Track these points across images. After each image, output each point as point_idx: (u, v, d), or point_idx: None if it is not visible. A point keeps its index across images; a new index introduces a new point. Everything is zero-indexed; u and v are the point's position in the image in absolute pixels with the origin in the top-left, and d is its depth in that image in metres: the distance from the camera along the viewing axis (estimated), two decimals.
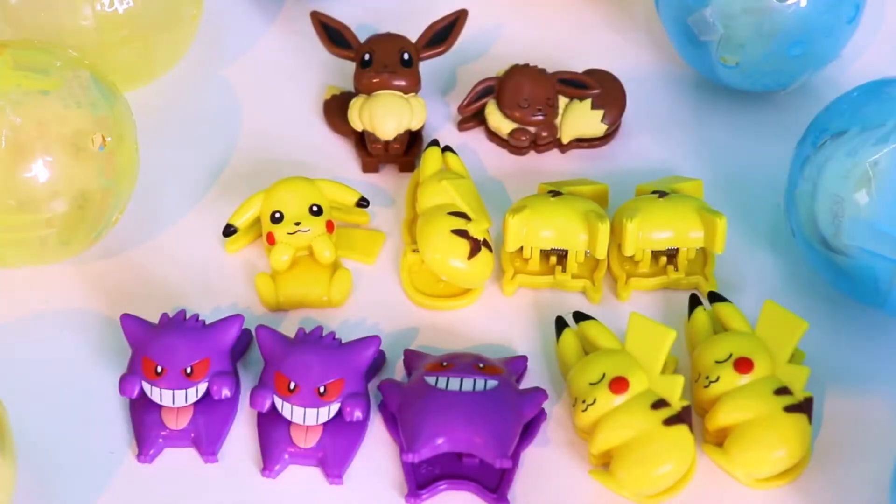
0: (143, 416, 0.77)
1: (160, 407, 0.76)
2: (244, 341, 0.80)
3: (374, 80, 0.88)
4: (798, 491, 0.75)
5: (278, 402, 0.75)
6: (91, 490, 0.76)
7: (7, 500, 0.71)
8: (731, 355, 0.76)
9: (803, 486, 0.75)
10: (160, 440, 0.76)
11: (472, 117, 0.92)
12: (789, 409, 0.74)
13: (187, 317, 0.78)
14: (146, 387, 0.76)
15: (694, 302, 0.81)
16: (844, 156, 0.76)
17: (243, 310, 0.82)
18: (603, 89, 0.90)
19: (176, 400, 0.75)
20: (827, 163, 0.77)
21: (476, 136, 0.92)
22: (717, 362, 0.76)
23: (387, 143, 0.88)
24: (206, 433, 0.76)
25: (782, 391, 0.74)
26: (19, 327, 0.83)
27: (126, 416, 0.78)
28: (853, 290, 0.79)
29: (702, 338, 0.78)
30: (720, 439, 0.75)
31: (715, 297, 0.80)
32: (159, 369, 0.75)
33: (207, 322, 0.78)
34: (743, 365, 0.75)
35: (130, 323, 0.78)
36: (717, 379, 0.75)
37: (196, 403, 0.76)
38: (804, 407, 0.74)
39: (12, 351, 0.82)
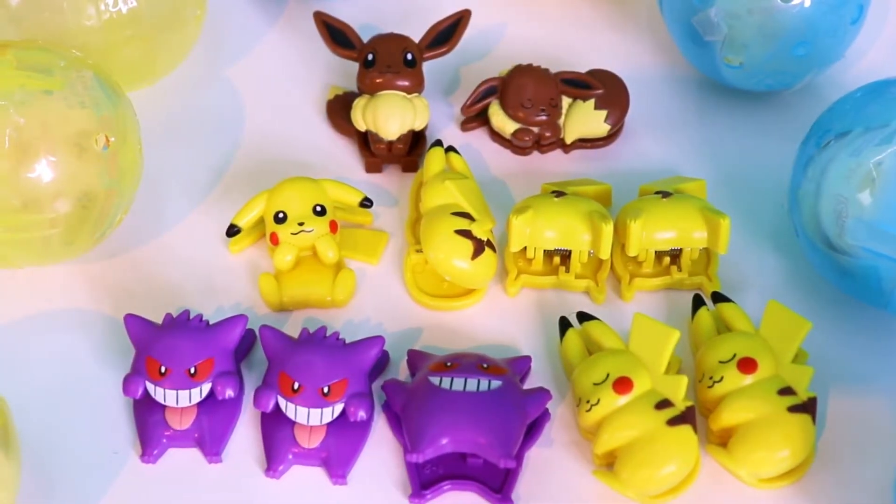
0: (147, 416, 0.77)
1: (164, 407, 0.76)
2: (248, 342, 0.80)
3: (378, 81, 0.88)
4: (802, 491, 0.75)
5: (282, 402, 0.75)
6: (95, 490, 0.75)
7: (11, 500, 0.71)
8: (734, 355, 0.75)
9: (807, 487, 0.75)
10: (164, 440, 0.76)
11: (475, 117, 0.92)
12: (793, 409, 0.74)
13: (191, 317, 0.78)
14: (150, 387, 0.75)
15: (697, 302, 0.81)
16: (848, 156, 0.76)
17: (246, 310, 0.82)
18: (606, 89, 0.90)
19: (180, 400, 0.75)
20: (830, 163, 0.77)
21: (479, 137, 0.92)
22: (720, 362, 0.76)
23: (390, 143, 0.88)
24: (210, 433, 0.76)
25: (786, 391, 0.74)
26: (22, 327, 0.83)
27: (130, 416, 0.78)
28: (857, 290, 0.79)
29: (705, 338, 0.78)
30: (724, 439, 0.75)
31: (718, 298, 0.80)
32: (163, 369, 0.75)
33: (211, 322, 0.78)
34: (747, 365, 0.75)
35: (134, 323, 0.78)
36: (721, 379, 0.75)
37: (200, 404, 0.76)
38: (808, 407, 0.74)
39: (16, 351, 0.82)
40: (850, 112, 0.78)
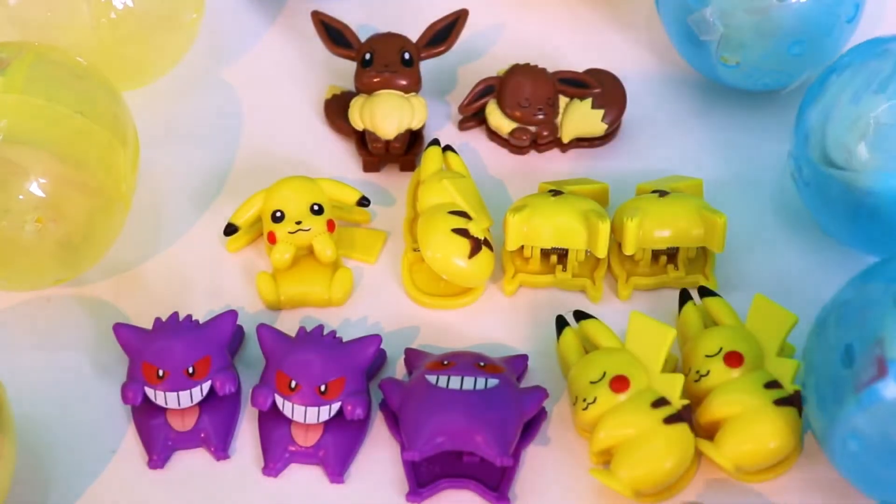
0: (149, 421, 0.77)
1: (165, 411, 0.76)
2: (237, 338, 0.80)
3: (375, 80, 0.88)
4: (790, 483, 0.75)
5: (279, 400, 0.75)
6: (97, 492, 0.76)
7: (8, 475, 0.71)
8: (721, 349, 0.76)
9: (794, 479, 0.75)
10: (169, 443, 0.76)
11: (472, 117, 0.92)
12: (779, 402, 0.74)
13: (180, 318, 0.79)
14: (149, 392, 0.75)
15: (684, 297, 0.81)
16: (848, 102, 0.76)
17: (243, 308, 0.82)
18: (603, 89, 0.90)
19: (182, 401, 0.75)
20: (833, 108, 0.77)
21: (477, 136, 0.92)
22: (707, 356, 0.76)
23: (387, 142, 0.88)
24: (215, 432, 0.76)
25: (772, 384, 0.74)
26: (19, 327, 0.83)
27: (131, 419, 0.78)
28: (872, 225, 0.78)
29: (692, 333, 0.79)
30: (711, 433, 0.75)
31: (705, 292, 0.80)
32: (161, 373, 0.75)
33: (201, 321, 0.78)
34: (733, 359, 0.75)
35: (124, 331, 0.78)
36: (708, 373, 0.75)
37: (200, 403, 0.76)
38: (794, 400, 0.74)
39: (11, 350, 0.82)
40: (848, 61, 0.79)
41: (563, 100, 0.90)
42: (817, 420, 0.70)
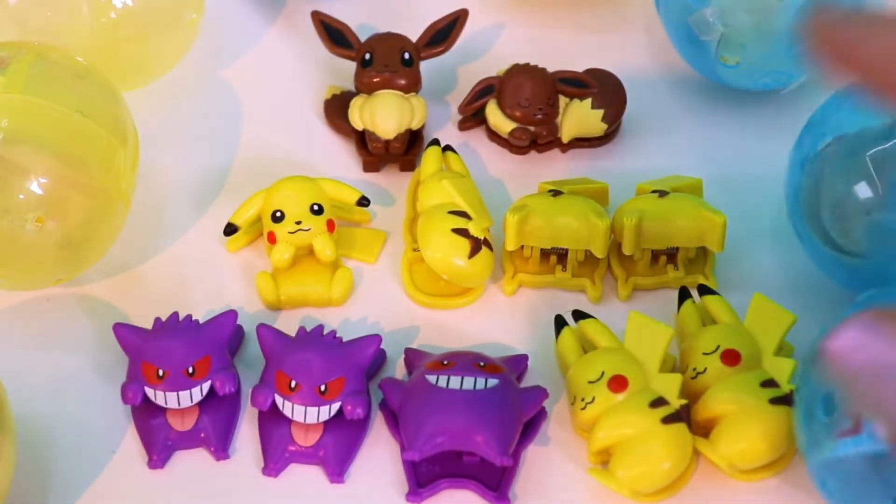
0: (149, 421, 0.77)
1: (165, 410, 0.76)
2: (237, 338, 0.80)
3: (375, 80, 0.88)
4: (787, 482, 0.75)
5: (279, 400, 0.75)
6: (97, 492, 0.76)
7: (8, 476, 0.71)
8: (718, 347, 0.76)
9: (791, 478, 0.75)
10: (169, 443, 0.76)
11: (472, 117, 0.92)
12: (775, 401, 0.74)
13: (180, 318, 0.79)
14: (149, 392, 0.75)
15: (683, 295, 0.81)
16: (845, 156, 0.76)
17: (243, 308, 0.82)
18: (603, 89, 0.90)
19: (181, 401, 0.75)
20: (827, 163, 0.77)
21: (476, 136, 0.92)
22: (704, 354, 0.76)
23: (387, 142, 0.88)
24: (215, 432, 0.76)
25: (769, 383, 0.74)
26: (19, 327, 0.83)
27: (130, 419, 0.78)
28: (863, 280, 0.78)
29: (690, 330, 0.79)
30: (707, 430, 0.75)
31: (704, 290, 0.80)
32: (161, 373, 0.75)
33: (201, 321, 0.78)
34: (730, 357, 0.75)
35: (124, 331, 0.78)
36: (705, 370, 0.75)
37: (200, 403, 0.76)
38: (790, 399, 0.74)
39: (11, 350, 0.82)
40: (844, 110, 0.78)
41: (563, 100, 0.90)
42: (800, 435, 0.71)
